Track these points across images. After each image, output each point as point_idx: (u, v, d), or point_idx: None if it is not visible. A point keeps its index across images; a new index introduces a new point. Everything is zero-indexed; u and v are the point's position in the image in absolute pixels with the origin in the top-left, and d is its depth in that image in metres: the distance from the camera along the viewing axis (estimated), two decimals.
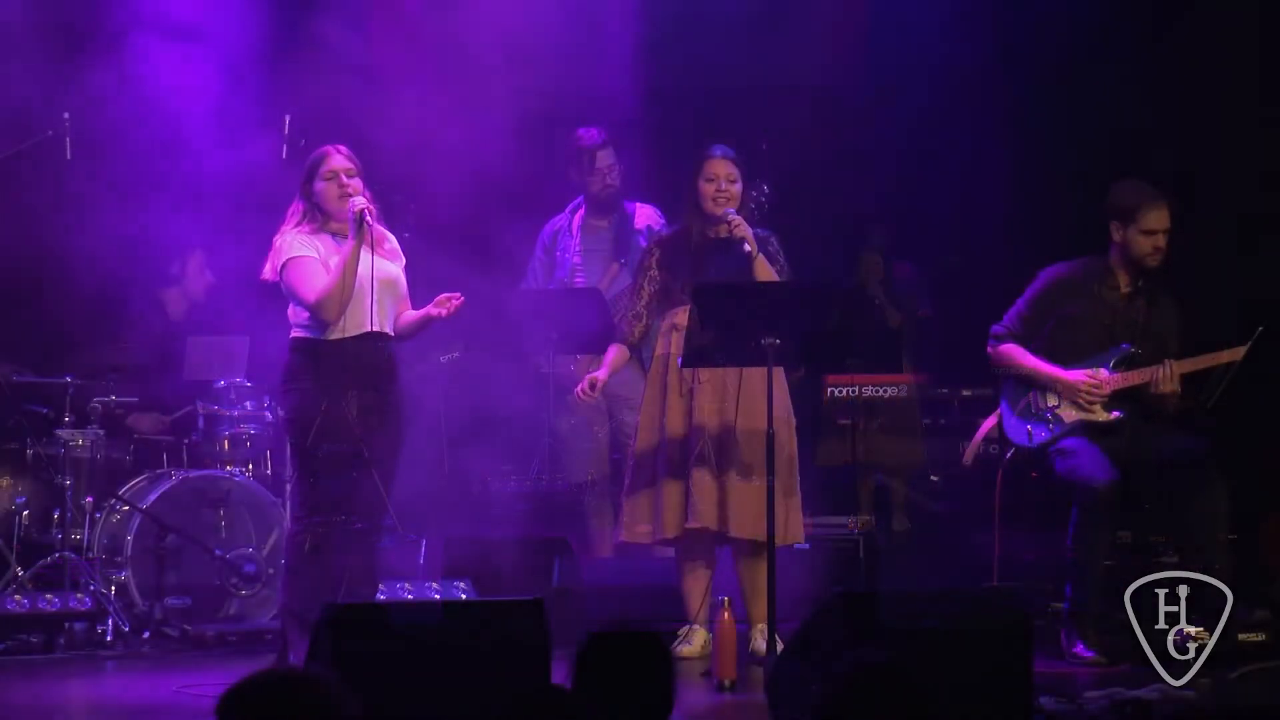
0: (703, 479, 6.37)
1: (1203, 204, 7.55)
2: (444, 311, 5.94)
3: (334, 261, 5.88)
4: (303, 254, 5.90)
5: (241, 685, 2.84)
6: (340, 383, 5.85)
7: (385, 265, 5.97)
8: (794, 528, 6.46)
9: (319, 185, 5.96)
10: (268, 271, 5.99)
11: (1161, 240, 6.48)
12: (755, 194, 6.70)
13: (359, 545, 5.91)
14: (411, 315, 6.04)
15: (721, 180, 6.47)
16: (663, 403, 6.48)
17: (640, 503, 6.50)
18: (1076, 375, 6.49)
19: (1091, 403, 6.47)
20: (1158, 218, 6.47)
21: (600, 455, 7.64)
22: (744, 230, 6.35)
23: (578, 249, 7.75)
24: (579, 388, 6.50)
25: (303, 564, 5.87)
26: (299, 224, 5.97)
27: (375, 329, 5.90)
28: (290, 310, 5.98)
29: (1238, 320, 6.46)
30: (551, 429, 7.20)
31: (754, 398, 6.34)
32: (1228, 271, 7.59)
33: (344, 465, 5.83)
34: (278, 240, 5.99)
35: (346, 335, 5.88)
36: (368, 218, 5.84)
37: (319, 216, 5.97)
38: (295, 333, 5.96)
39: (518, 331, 7.12)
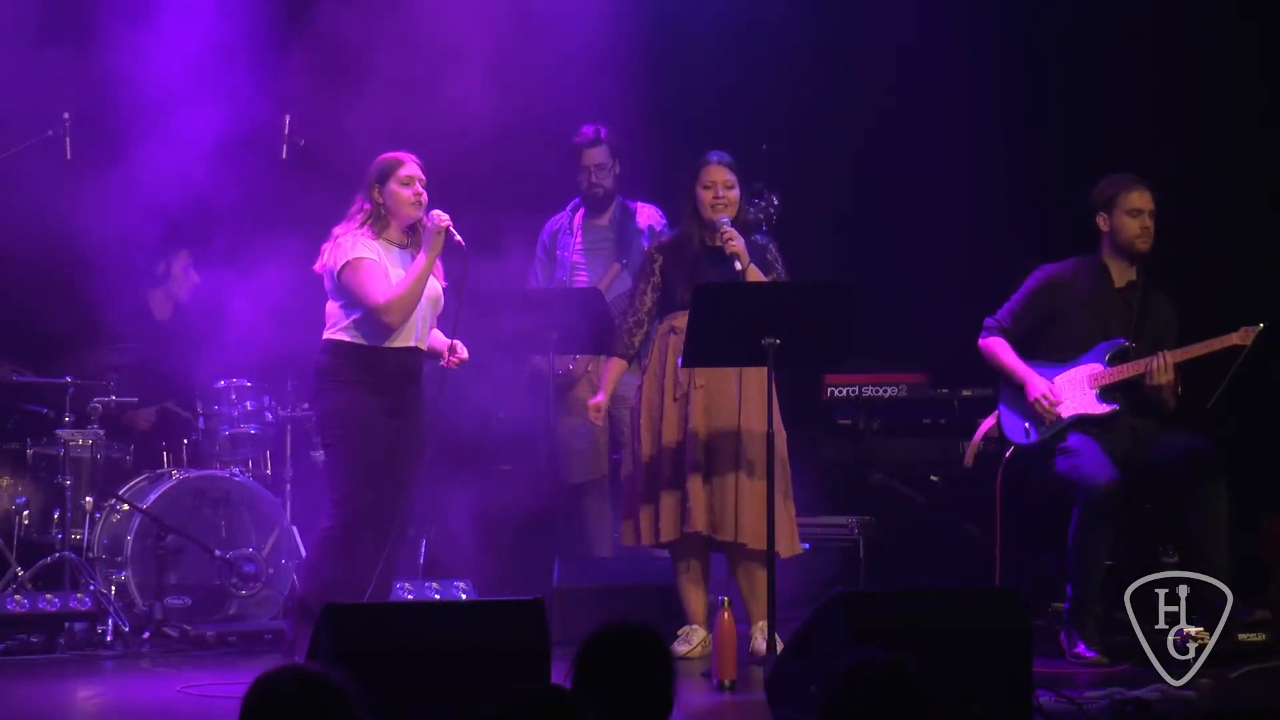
0: (697, 484, 6.36)
1: (1203, 203, 7.55)
2: (451, 361, 6.03)
3: (395, 274, 5.89)
4: (368, 256, 5.89)
5: (262, 683, 2.82)
6: (379, 388, 5.90)
7: (433, 283, 6.01)
8: (792, 538, 6.44)
9: (393, 186, 5.95)
10: (321, 263, 5.97)
11: (1148, 220, 6.51)
12: (764, 204, 6.68)
13: (380, 546, 5.93)
14: (430, 343, 6.08)
15: (719, 187, 6.46)
16: (660, 407, 6.47)
17: (639, 508, 6.50)
18: (1036, 387, 6.47)
19: (1040, 416, 6.46)
20: (1140, 197, 6.51)
21: (599, 455, 7.64)
22: (736, 245, 6.32)
23: (579, 248, 7.74)
24: (590, 415, 6.67)
25: (324, 561, 5.90)
26: (361, 225, 5.96)
27: (417, 344, 5.95)
28: (334, 310, 5.97)
29: (1238, 319, 6.45)
30: (551, 429, 7.20)
31: (749, 401, 6.34)
32: (1228, 271, 7.59)
33: (379, 467, 5.88)
34: (341, 236, 5.96)
35: (394, 345, 5.91)
36: (454, 235, 5.86)
37: (380, 219, 5.96)
38: (337, 335, 5.94)
39: (518, 331, 7.11)
